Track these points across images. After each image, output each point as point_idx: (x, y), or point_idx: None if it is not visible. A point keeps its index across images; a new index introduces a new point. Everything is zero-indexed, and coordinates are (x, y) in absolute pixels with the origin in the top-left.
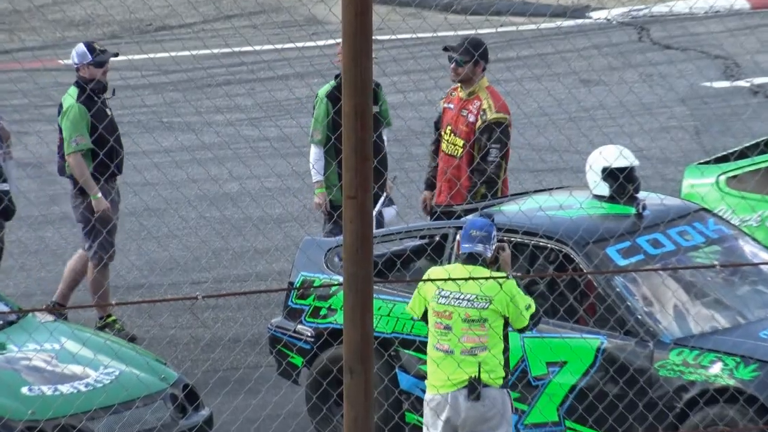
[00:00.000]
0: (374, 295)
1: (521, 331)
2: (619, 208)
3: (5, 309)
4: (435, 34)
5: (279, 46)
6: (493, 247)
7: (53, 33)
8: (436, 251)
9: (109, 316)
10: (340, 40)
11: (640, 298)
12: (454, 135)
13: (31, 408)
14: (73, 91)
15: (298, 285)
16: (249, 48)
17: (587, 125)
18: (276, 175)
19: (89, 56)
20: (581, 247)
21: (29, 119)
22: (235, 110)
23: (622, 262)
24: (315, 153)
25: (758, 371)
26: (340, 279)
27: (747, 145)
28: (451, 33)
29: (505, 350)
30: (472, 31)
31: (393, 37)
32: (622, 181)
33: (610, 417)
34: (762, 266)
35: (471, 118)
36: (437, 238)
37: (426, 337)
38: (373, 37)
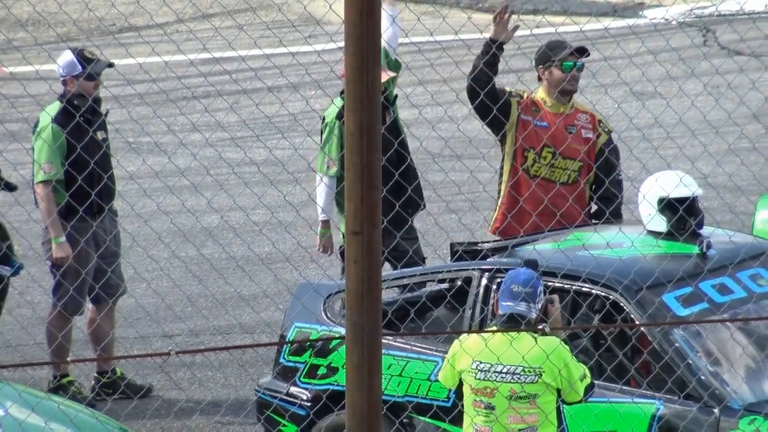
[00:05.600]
0: (383, 351)
1: (572, 404)
2: (679, 246)
3: None
4: (456, 37)
5: (268, 51)
6: (539, 305)
7: None
8: (457, 298)
9: (65, 375)
10: (342, 45)
11: (703, 355)
12: (565, 159)
13: None
14: (54, 107)
15: (291, 338)
16: (232, 53)
17: (641, 147)
18: (264, 207)
19: (79, 67)
20: (633, 293)
21: None
22: (215, 128)
23: (683, 312)
24: (327, 187)
25: None
26: (343, 331)
27: None
28: (477, 36)
29: (560, 429)
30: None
31: (406, 40)
32: (682, 214)
33: None
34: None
35: (587, 135)
36: (459, 282)
37: (445, 401)
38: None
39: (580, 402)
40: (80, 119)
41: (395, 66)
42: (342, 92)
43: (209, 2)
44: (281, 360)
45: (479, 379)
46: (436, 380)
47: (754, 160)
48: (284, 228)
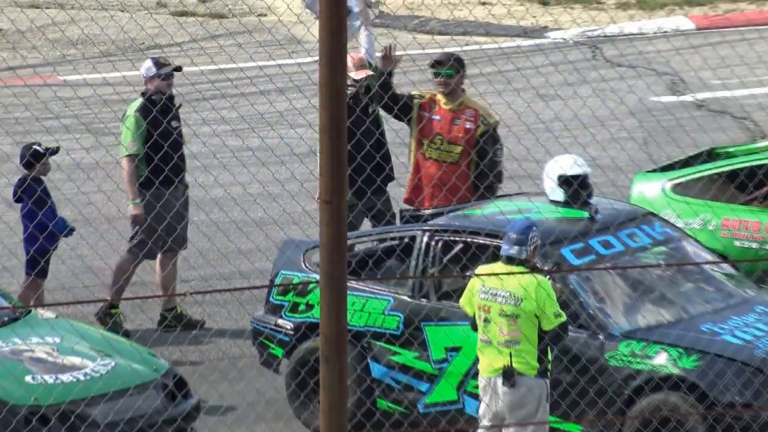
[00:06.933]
0: (348, 292)
1: (548, 333)
2: (574, 212)
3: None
4: (405, 52)
5: (261, 63)
6: (531, 248)
7: (53, 51)
8: (406, 252)
9: (113, 307)
10: (317, 58)
11: (591, 294)
12: (450, 143)
13: (34, 395)
14: (137, 102)
15: (278, 282)
16: (233, 65)
17: (544, 136)
18: (258, 182)
19: (154, 69)
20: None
21: (31, 131)
22: (220, 122)
23: (576, 262)
24: None
25: (699, 361)
26: (317, 277)
27: (691, 154)
28: (420, 51)
29: (543, 345)
30: (439, 50)
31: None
32: (576, 188)
33: (564, 402)
34: (703, 265)
35: (469, 125)
36: (406, 240)
37: (395, 330)
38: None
39: (557, 336)
40: (160, 109)
41: (374, 68)
42: None
43: (216, 26)
44: (270, 299)
45: (482, 298)
46: (389, 314)
47: (630, 147)
48: (273, 198)
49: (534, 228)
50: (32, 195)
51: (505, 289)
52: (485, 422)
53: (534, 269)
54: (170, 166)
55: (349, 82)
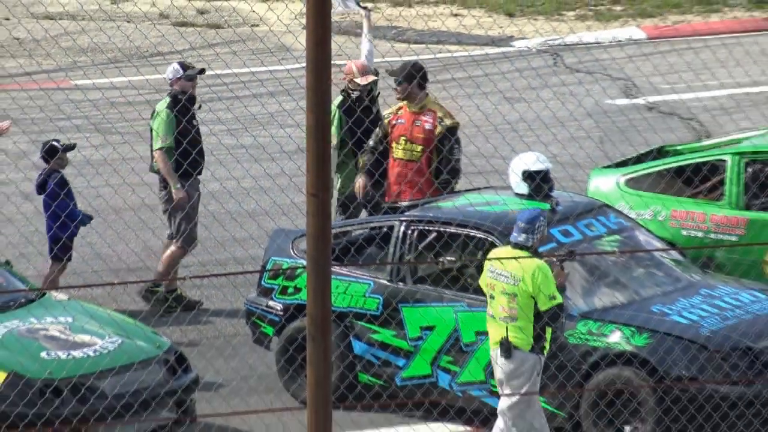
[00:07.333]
0: (333, 276)
1: (545, 313)
2: (536, 204)
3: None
4: (383, 59)
5: (254, 69)
6: (537, 236)
7: (65, 58)
8: (384, 240)
9: (173, 290)
10: (305, 65)
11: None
12: (411, 143)
13: (48, 369)
14: (165, 100)
15: (269, 268)
16: (228, 71)
17: (510, 135)
18: (251, 177)
19: (180, 72)
20: (504, 236)
21: (45, 130)
22: (216, 122)
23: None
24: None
25: (650, 339)
26: (305, 263)
27: (642, 152)
28: (397, 58)
29: (542, 323)
30: (415, 57)
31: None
32: (538, 182)
33: None
34: (654, 252)
35: (428, 126)
36: (385, 230)
37: (375, 311)
38: (332, 62)
39: (555, 316)
40: (184, 108)
41: (375, 73)
42: (342, 91)
43: (213, 36)
44: (262, 283)
45: (489, 277)
46: (369, 297)
47: (587, 145)
48: (264, 191)
49: (542, 218)
50: (54, 186)
51: (507, 270)
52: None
53: (536, 254)
54: (190, 160)
55: (354, 86)
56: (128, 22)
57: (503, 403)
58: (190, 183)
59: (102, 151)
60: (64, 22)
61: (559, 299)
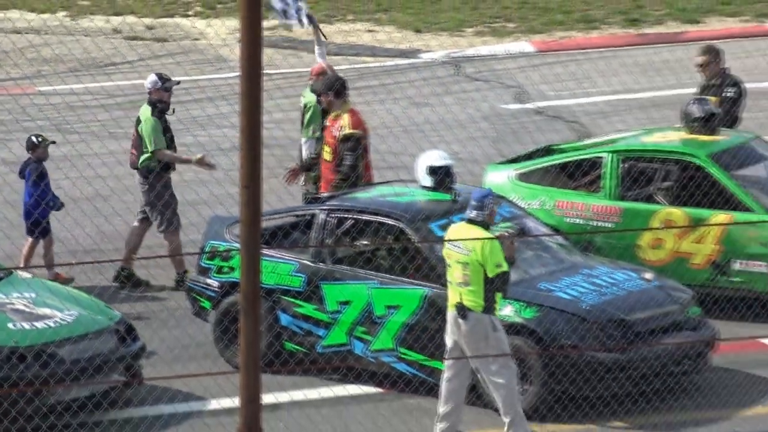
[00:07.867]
0: (262, 257)
1: (494, 280)
2: (439, 195)
3: None
4: (307, 69)
5: (195, 77)
6: (486, 212)
7: (30, 67)
8: (308, 226)
9: (186, 272)
10: (239, 73)
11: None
12: (326, 145)
13: (14, 338)
14: (147, 108)
15: (207, 250)
16: (174, 78)
17: (417, 135)
18: (192, 171)
19: (159, 83)
20: (411, 223)
21: (12, 130)
22: None
23: (441, 234)
24: (307, 144)
25: (537, 312)
26: (238, 246)
27: (531, 150)
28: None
29: (492, 288)
30: (337, 67)
31: (278, 71)
32: (441, 176)
33: (431, 345)
34: (541, 237)
35: (335, 133)
36: (308, 217)
37: (298, 288)
38: (264, 71)
39: (499, 284)
40: (162, 114)
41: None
42: (309, 87)
43: (159, 48)
44: (201, 263)
45: (447, 248)
46: (294, 275)
47: (484, 144)
48: (203, 183)
49: (490, 196)
50: (31, 173)
51: (461, 242)
52: (449, 345)
53: (486, 229)
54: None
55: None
56: (86, 36)
57: (476, 363)
58: (168, 177)
59: (62, 148)
60: (29, 36)
61: (505, 267)
